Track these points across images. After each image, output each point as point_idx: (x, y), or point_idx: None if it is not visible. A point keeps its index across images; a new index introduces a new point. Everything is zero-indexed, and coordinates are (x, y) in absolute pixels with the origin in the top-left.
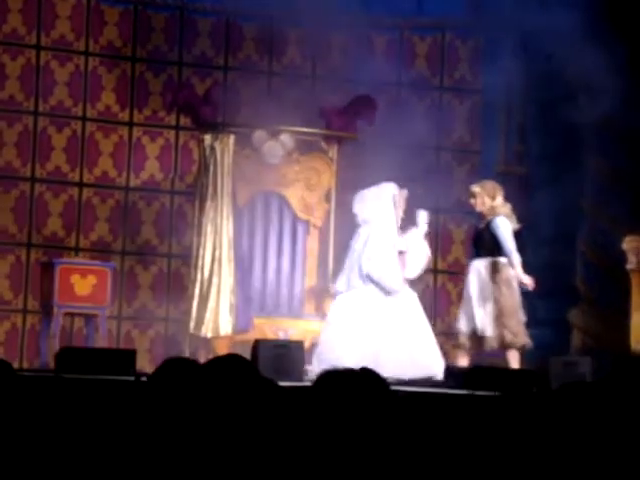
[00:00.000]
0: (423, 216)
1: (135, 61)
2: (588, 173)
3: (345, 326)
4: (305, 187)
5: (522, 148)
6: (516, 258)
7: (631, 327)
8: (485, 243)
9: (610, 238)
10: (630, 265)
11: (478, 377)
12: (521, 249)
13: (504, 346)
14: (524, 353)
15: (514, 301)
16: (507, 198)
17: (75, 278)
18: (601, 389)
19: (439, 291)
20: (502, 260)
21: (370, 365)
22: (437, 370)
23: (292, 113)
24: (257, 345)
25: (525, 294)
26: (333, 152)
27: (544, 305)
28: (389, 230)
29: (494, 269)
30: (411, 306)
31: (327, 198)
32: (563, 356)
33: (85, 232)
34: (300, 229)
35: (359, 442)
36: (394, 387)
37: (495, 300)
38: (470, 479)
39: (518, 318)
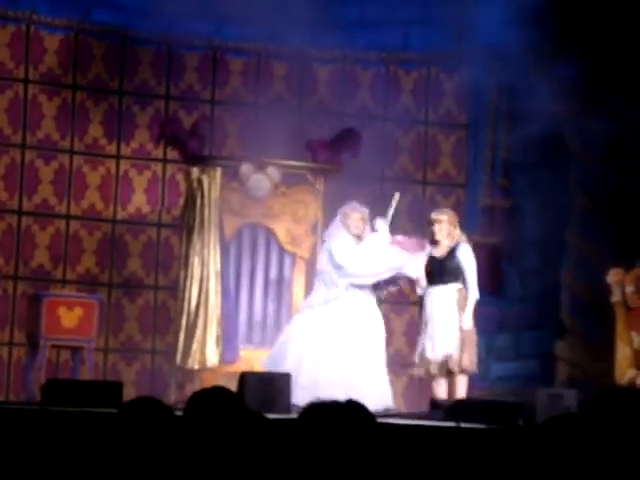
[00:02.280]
0: (381, 225)
1: (123, 95)
2: (573, 206)
3: (303, 343)
4: (292, 219)
5: (507, 182)
6: (475, 292)
7: (616, 360)
8: (450, 270)
9: (595, 271)
10: (615, 298)
11: (463, 409)
12: (502, 281)
13: (459, 371)
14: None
15: (474, 329)
16: (491, 231)
17: (62, 310)
18: (587, 422)
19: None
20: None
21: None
22: (384, 402)
23: (278, 146)
24: (244, 377)
25: (509, 327)
26: (320, 184)
27: (529, 337)
28: (341, 240)
29: (461, 296)
30: (370, 332)
31: (314, 230)
32: (548, 388)
33: (72, 264)
34: (287, 261)
35: (346, 475)
36: (379, 420)
37: (459, 327)
38: None
39: (476, 346)
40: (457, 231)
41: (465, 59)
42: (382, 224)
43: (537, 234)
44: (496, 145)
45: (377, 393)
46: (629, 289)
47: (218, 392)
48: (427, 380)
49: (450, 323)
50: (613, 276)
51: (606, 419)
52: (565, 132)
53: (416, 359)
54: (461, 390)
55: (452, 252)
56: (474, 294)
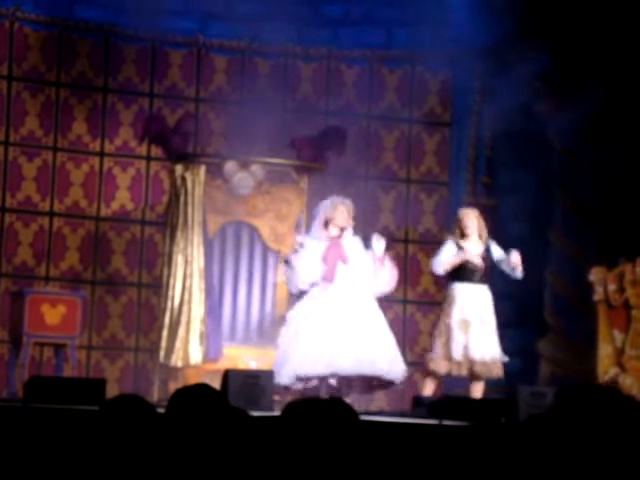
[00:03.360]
0: (377, 244)
1: (107, 92)
2: (555, 205)
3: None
4: (276, 217)
5: (490, 180)
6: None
7: (598, 358)
8: (485, 270)
9: (577, 269)
10: (597, 296)
11: (446, 407)
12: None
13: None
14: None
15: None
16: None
17: (45, 307)
18: (568, 419)
19: (408, 321)
20: None
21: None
22: (396, 373)
23: (263, 144)
24: (227, 375)
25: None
26: (304, 182)
27: (512, 335)
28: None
29: (487, 296)
30: (369, 310)
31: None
32: (531, 386)
33: (55, 262)
34: (271, 259)
35: (328, 472)
36: (362, 417)
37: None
38: None
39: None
40: (485, 231)
41: (448, 57)
42: (378, 244)
43: (520, 232)
44: (479, 143)
45: (389, 361)
46: (611, 287)
47: (201, 389)
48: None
49: (492, 325)
50: (595, 274)
51: (584, 416)
52: (547, 130)
53: (454, 355)
54: (479, 393)
55: (486, 252)
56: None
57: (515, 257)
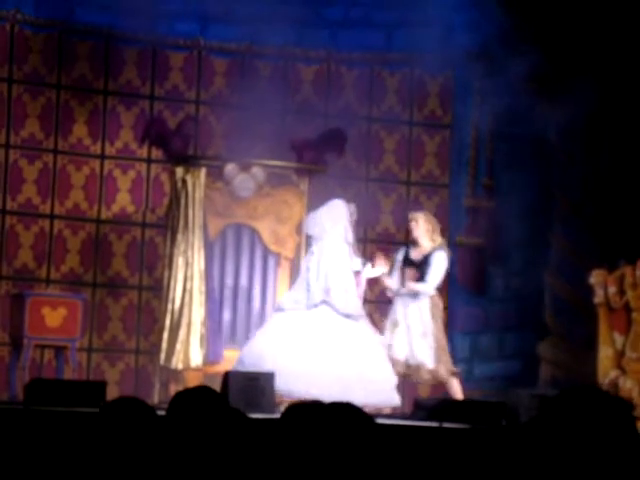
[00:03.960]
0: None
1: (107, 94)
2: (556, 207)
3: (284, 343)
4: (276, 220)
5: (491, 182)
6: (430, 286)
7: (598, 360)
8: (422, 274)
9: (578, 272)
10: (597, 299)
11: (447, 409)
12: (486, 281)
13: (440, 380)
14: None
15: (444, 335)
16: (475, 231)
17: (46, 310)
18: (569, 423)
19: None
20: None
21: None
22: (390, 397)
23: (263, 146)
24: (228, 377)
25: (493, 327)
26: (304, 185)
27: (512, 338)
28: (341, 246)
29: (433, 303)
30: (362, 330)
31: (298, 230)
32: (531, 388)
33: (56, 264)
34: (271, 261)
35: (328, 474)
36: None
37: (433, 334)
38: None
39: (447, 351)
40: (438, 237)
41: (448, 60)
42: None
43: (520, 235)
44: (479, 145)
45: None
46: (611, 290)
47: (202, 392)
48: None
49: (423, 332)
50: (596, 277)
51: (582, 418)
52: (547, 133)
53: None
54: (457, 393)
55: (426, 258)
56: (428, 287)
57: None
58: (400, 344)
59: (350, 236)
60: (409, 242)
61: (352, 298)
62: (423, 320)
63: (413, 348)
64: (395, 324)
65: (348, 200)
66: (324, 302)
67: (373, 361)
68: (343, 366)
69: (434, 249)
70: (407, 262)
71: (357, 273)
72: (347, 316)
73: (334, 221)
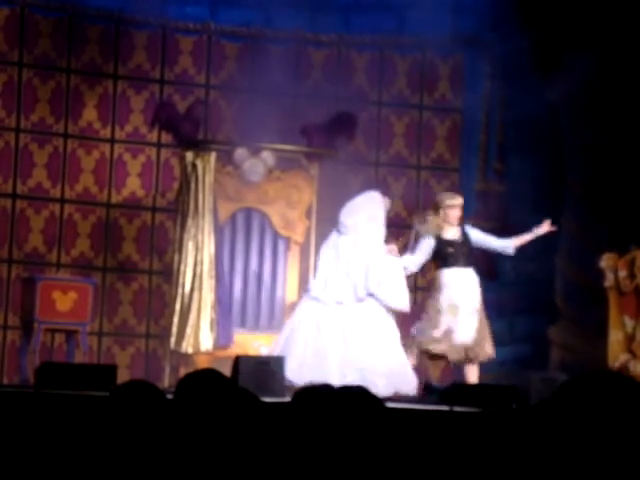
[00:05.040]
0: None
1: (117, 78)
2: (567, 191)
3: (316, 336)
4: (286, 204)
5: (501, 166)
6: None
7: (609, 344)
8: (469, 253)
9: (589, 256)
10: (608, 283)
11: (457, 393)
12: (498, 265)
13: (485, 358)
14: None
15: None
16: (485, 215)
17: (56, 294)
18: (578, 405)
19: (419, 307)
20: None
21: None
22: (408, 388)
23: (273, 130)
24: (238, 361)
25: (504, 311)
26: (314, 169)
27: (523, 321)
28: (381, 241)
29: (474, 280)
30: (384, 321)
31: (308, 215)
32: (542, 372)
33: (66, 248)
34: (281, 246)
35: (338, 457)
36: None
37: (478, 311)
38: None
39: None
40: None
41: (459, 43)
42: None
43: (531, 219)
44: (490, 129)
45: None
46: (622, 274)
47: (209, 374)
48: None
49: (475, 309)
50: (606, 261)
51: (594, 402)
52: (559, 117)
53: (440, 339)
54: (475, 377)
55: (465, 235)
56: (513, 240)
57: None
58: (464, 328)
59: (384, 232)
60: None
61: (403, 292)
62: (473, 298)
63: (474, 328)
64: (455, 308)
65: (361, 185)
66: (371, 295)
67: (395, 350)
68: (376, 358)
69: (463, 225)
70: (447, 244)
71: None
72: (393, 310)
73: (372, 218)
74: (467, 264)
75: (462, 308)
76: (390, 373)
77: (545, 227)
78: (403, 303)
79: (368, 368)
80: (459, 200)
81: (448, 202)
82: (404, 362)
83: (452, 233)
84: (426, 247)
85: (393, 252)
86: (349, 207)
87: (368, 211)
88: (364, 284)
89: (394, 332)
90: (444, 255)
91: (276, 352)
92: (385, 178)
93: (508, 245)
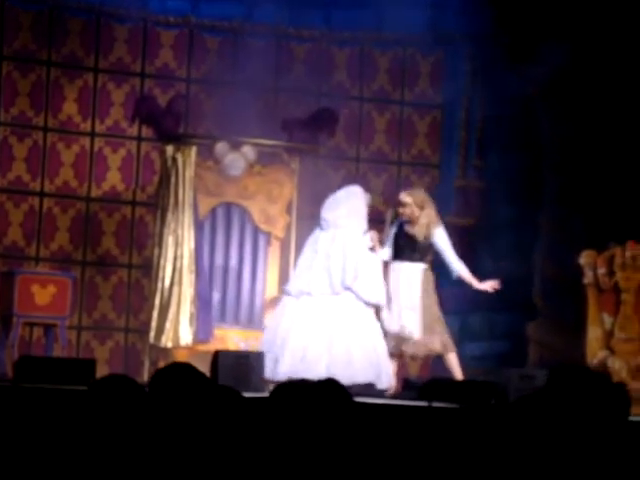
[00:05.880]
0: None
1: (98, 72)
2: (546, 188)
3: (300, 331)
4: (266, 199)
5: (481, 163)
6: (463, 266)
7: (587, 341)
8: (421, 250)
9: (567, 253)
10: (587, 280)
11: (435, 389)
12: (476, 261)
13: (433, 353)
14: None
15: (439, 308)
16: (465, 211)
17: (35, 288)
18: (555, 400)
19: None
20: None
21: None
22: (384, 382)
23: (254, 125)
24: (217, 355)
25: (482, 307)
26: (295, 164)
27: (502, 318)
28: (361, 235)
29: (426, 277)
30: (365, 315)
31: (288, 210)
32: (520, 369)
33: (46, 242)
34: (261, 240)
35: (316, 452)
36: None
37: (426, 307)
38: None
39: (444, 325)
40: (423, 213)
41: (439, 40)
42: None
43: (510, 215)
44: (470, 126)
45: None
46: (601, 271)
47: (181, 368)
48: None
49: (413, 303)
50: (585, 258)
51: (570, 396)
52: (539, 114)
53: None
54: (456, 370)
55: (427, 234)
56: (463, 266)
57: None
58: (392, 317)
59: (366, 227)
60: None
61: (379, 287)
62: (412, 295)
63: (403, 321)
64: (389, 298)
65: (342, 181)
66: (348, 289)
67: (377, 345)
68: (353, 350)
69: (433, 225)
70: (404, 237)
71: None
72: (369, 304)
73: (353, 213)
74: (414, 260)
75: (394, 301)
76: (367, 365)
77: (489, 285)
78: (378, 297)
79: (346, 360)
80: (405, 198)
81: (398, 199)
82: (382, 355)
83: (415, 229)
84: (390, 238)
85: (373, 239)
86: (330, 202)
87: (348, 206)
88: (341, 278)
89: (373, 324)
90: (395, 247)
91: (272, 351)
92: (366, 174)
93: (455, 270)
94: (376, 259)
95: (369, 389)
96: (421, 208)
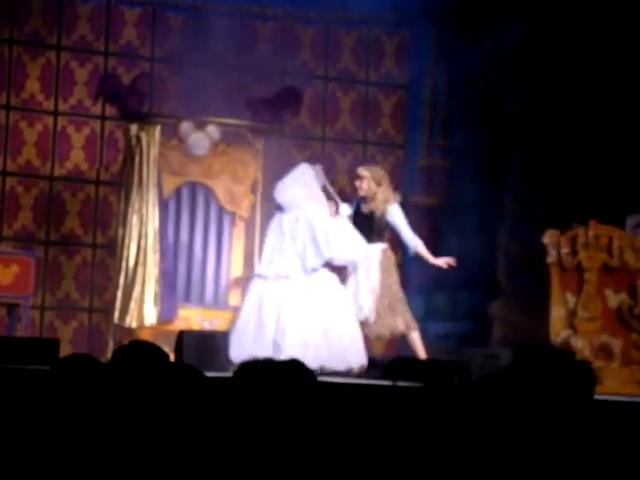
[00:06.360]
0: (345, 209)
1: (60, 50)
2: (510, 167)
3: (269, 315)
4: (231, 179)
5: (446, 142)
6: (419, 241)
7: (551, 320)
8: (378, 229)
9: (531, 232)
10: (550, 259)
11: (400, 368)
12: (440, 241)
13: (396, 334)
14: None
15: (400, 288)
16: (430, 191)
17: None
18: (518, 378)
19: None
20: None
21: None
22: (357, 362)
23: (219, 104)
24: (182, 335)
25: (446, 287)
26: (259, 144)
27: (465, 297)
28: (323, 209)
29: (385, 256)
30: (338, 295)
31: (253, 190)
32: (484, 348)
33: (9, 221)
34: (226, 220)
35: (281, 431)
36: (318, 378)
37: (387, 287)
38: (392, 468)
39: (406, 304)
40: (379, 189)
41: (404, 20)
42: (347, 209)
43: (475, 195)
44: (435, 106)
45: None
46: (564, 250)
47: (141, 347)
48: None
49: (372, 285)
50: (549, 237)
51: (534, 375)
52: (503, 94)
53: None
54: (419, 349)
55: (383, 210)
56: (419, 242)
57: None
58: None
59: (323, 200)
60: (359, 197)
61: (355, 241)
62: (370, 277)
63: (360, 303)
64: (347, 280)
65: (307, 160)
66: (330, 260)
67: (350, 324)
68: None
69: (388, 203)
70: (361, 216)
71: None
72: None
73: (307, 190)
74: (372, 240)
75: (350, 284)
76: (342, 347)
77: (443, 261)
78: (360, 251)
79: (319, 342)
80: (362, 172)
81: (356, 172)
82: (356, 336)
83: (371, 206)
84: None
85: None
86: (280, 186)
87: (301, 185)
88: (314, 254)
89: (347, 305)
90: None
91: (245, 336)
92: (331, 154)
93: (412, 246)
94: (341, 220)
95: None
96: (378, 184)
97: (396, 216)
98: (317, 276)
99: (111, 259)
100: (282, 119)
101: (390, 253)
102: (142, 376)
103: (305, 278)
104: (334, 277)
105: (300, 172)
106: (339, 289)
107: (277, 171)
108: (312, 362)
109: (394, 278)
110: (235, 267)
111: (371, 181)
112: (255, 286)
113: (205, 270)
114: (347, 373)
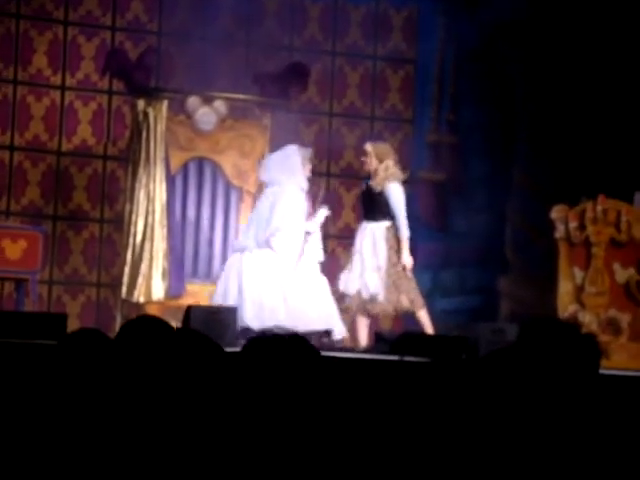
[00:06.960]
0: (322, 213)
1: (68, 25)
2: (518, 143)
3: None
4: (238, 154)
5: (454, 118)
6: (405, 232)
7: (558, 295)
8: (381, 207)
9: (539, 208)
10: (558, 234)
11: (407, 343)
12: (448, 217)
13: (401, 311)
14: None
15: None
16: (438, 166)
17: (5, 242)
18: (526, 354)
19: (329, 256)
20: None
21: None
22: (321, 326)
23: (226, 79)
24: (189, 310)
25: (454, 263)
26: (267, 119)
27: (473, 273)
28: (297, 193)
29: (390, 234)
30: (305, 268)
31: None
32: (492, 323)
33: (16, 196)
34: (233, 196)
35: (288, 407)
36: (324, 353)
37: (393, 264)
38: (400, 445)
39: (413, 281)
40: (381, 166)
41: None
42: (324, 213)
43: (483, 170)
44: (443, 81)
45: (323, 315)
46: (572, 225)
47: (148, 321)
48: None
49: (378, 263)
50: (557, 212)
51: (542, 350)
52: (511, 69)
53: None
54: (427, 327)
55: (382, 186)
56: (405, 232)
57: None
58: (353, 278)
59: (305, 184)
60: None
61: (294, 248)
62: (377, 253)
63: (366, 281)
64: (351, 259)
65: (314, 136)
66: (266, 242)
67: (326, 296)
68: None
69: (389, 180)
70: (367, 194)
71: (308, 234)
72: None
73: (288, 171)
74: (378, 219)
75: (359, 262)
76: (301, 310)
77: (403, 266)
78: (290, 256)
79: (301, 309)
80: (367, 148)
81: (363, 148)
82: (333, 306)
83: (373, 182)
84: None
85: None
86: (263, 164)
87: (282, 164)
88: (263, 229)
89: (320, 277)
90: (362, 207)
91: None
92: (339, 129)
93: (400, 235)
94: (301, 223)
95: (325, 338)
96: (380, 160)
97: (391, 195)
98: (281, 250)
99: (118, 234)
100: (290, 94)
101: (395, 231)
102: (150, 351)
103: (267, 250)
104: (309, 253)
105: (285, 155)
106: (309, 263)
107: (284, 146)
108: (268, 321)
109: (400, 255)
110: None
111: (373, 157)
112: (235, 259)
113: (212, 245)
114: (313, 337)
